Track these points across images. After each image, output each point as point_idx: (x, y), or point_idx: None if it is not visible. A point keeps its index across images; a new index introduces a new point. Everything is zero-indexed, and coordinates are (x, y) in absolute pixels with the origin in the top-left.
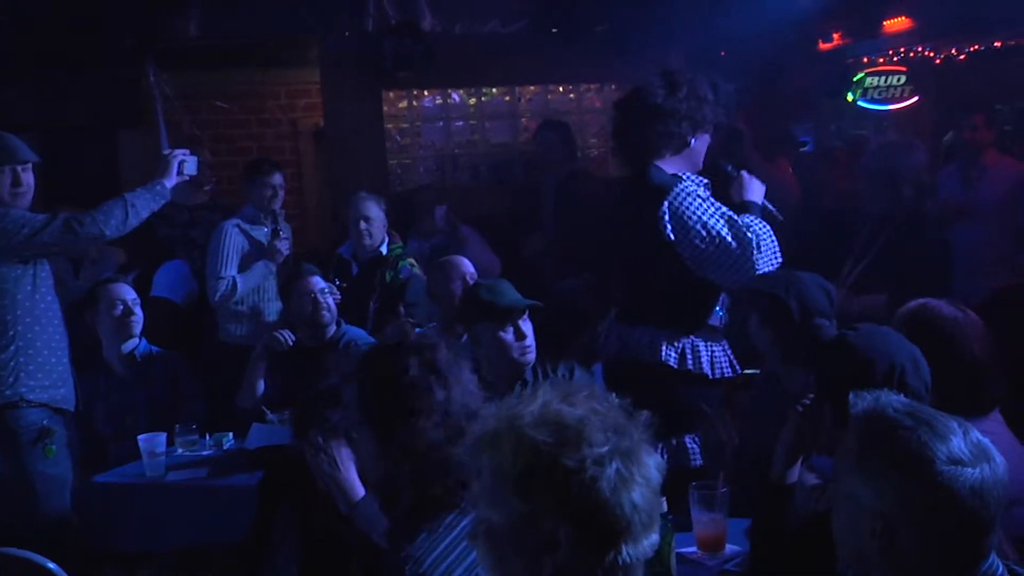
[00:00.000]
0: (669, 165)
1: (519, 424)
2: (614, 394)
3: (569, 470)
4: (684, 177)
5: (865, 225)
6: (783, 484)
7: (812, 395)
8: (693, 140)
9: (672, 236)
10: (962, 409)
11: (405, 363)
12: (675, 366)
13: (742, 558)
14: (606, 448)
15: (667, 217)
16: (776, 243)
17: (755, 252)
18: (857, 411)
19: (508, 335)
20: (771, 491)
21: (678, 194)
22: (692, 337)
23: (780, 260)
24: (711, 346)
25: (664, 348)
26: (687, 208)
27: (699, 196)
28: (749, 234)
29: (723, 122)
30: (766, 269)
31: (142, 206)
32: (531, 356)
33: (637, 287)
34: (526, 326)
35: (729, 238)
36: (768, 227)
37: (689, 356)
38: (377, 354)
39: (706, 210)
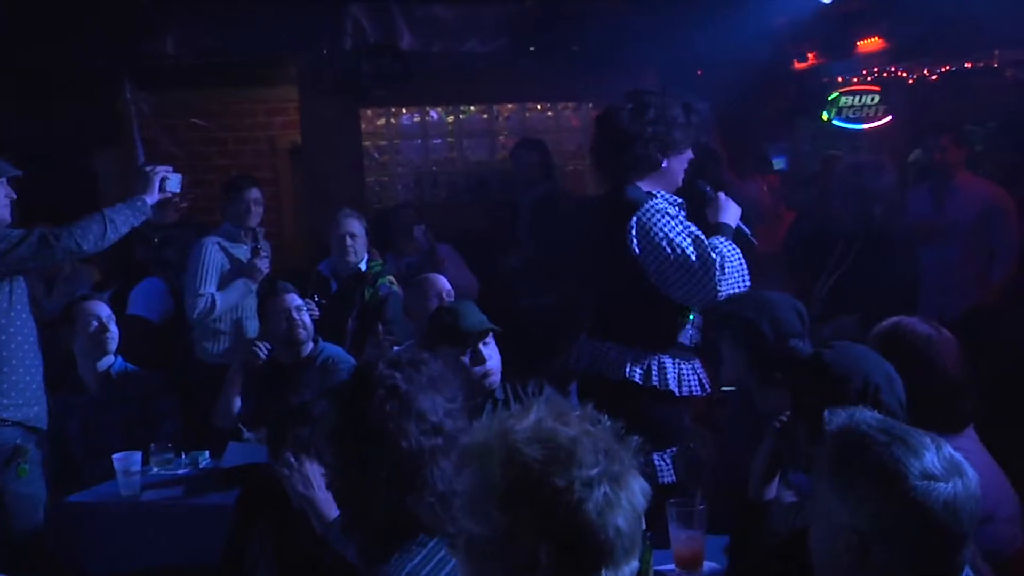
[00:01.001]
0: (645, 184)
1: (511, 439)
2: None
3: (557, 490)
4: (657, 195)
5: (836, 243)
6: (760, 501)
7: (788, 412)
8: (665, 162)
9: (638, 250)
10: (936, 426)
11: (368, 403)
12: (640, 382)
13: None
14: (596, 471)
15: (634, 231)
16: (744, 267)
17: (717, 272)
18: (832, 428)
19: (467, 359)
20: (748, 508)
21: (647, 210)
22: (659, 354)
23: (748, 283)
24: (679, 364)
25: (629, 364)
26: (654, 224)
27: (668, 213)
28: (714, 255)
29: (700, 143)
30: (731, 291)
31: (121, 222)
32: (493, 379)
33: (607, 303)
34: (488, 350)
35: (692, 256)
36: (737, 250)
37: (655, 373)
38: (346, 385)
39: (673, 227)
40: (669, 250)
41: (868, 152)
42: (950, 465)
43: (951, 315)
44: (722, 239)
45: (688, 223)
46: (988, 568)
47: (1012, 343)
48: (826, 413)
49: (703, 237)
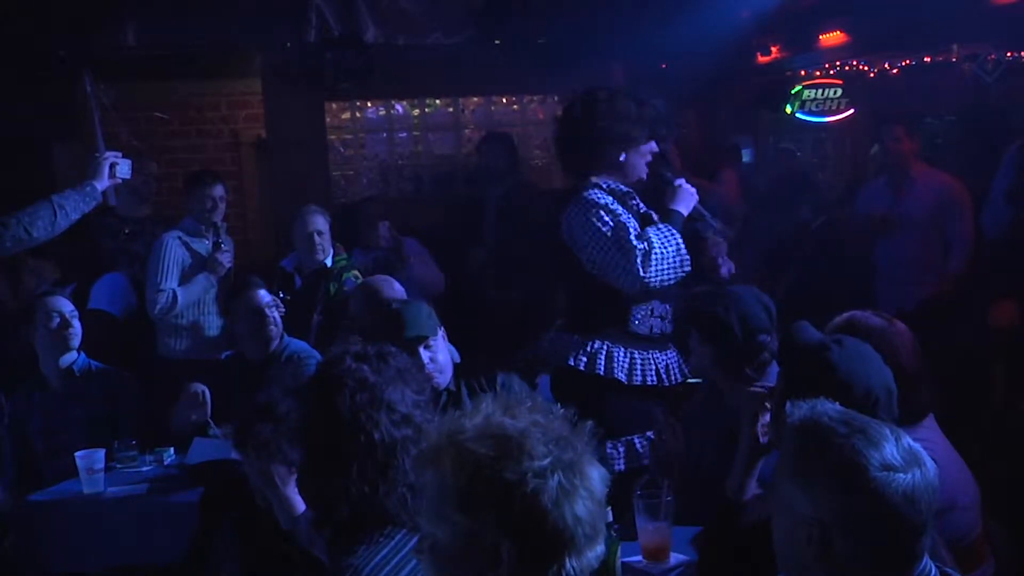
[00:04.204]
0: (604, 178)
1: (460, 438)
2: (558, 405)
3: (510, 483)
4: (602, 186)
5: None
6: (740, 500)
7: (773, 388)
8: (623, 156)
9: (567, 239)
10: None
11: (338, 395)
12: (583, 369)
13: (686, 567)
14: (547, 461)
15: (565, 223)
16: (681, 255)
17: (638, 260)
18: (793, 420)
19: None
20: (727, 507)
21: (580, 200)
22: (608, 342)
23: (687, 270)
24: (632, 352)
25: (574, 353)
26: (584, 213)
27: (597, 203)
28: (638, 242)
29: (660, 135)
30: (661, 278)
31: (71, 207)
32: (436, 380)
33: (563, 294)
34: (430, 353)
35: (612, 245)
36: (675, 238)
37: (601, 361)
38: (314, 380)
39: (601, 216)
40: (593, 238)
41: (831, 145)
42: (909, 456)
43: (908, 306)
44: (662, 227)
45: (621, 211)
46: (950, 555)
47: (968, 334)
48: (788, 405)
49: (628, 226)
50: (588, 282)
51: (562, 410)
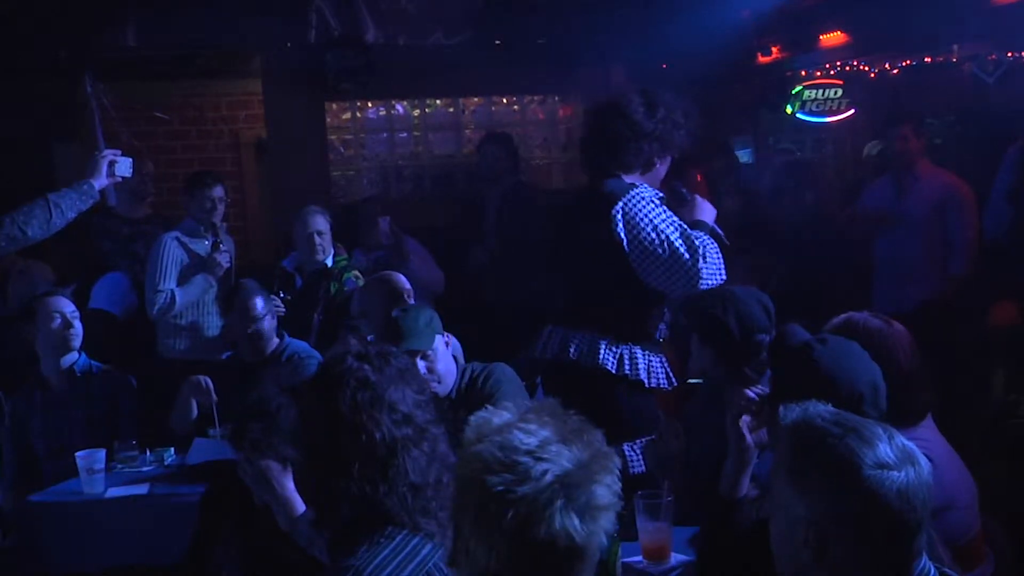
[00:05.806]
0: (629, 179)
1: (469, 454)
2: (573, 413)
3: (512, 500)
4: (639, 185)
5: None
6: (734, 498)
7: (764, 391)
8: (658, 162)
9: (623, 236)
10: (893, 419)
11: (340, 394)
12: (612, 371)
13: (686, 567)
14: (554, 480)
15: (619, 217)
16: (722, 261)
17: (701, 261)
18: (787, 422)
19: None
20: (722, 504)
21: (632, 197)
22: (631, 344)
23: (724, 277)
24: (648, 355)
25: (603, 351)
26: (640, 211)
27: (652, 201)
28: (697, 242)
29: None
30: (711, 281)
31: (68, 206)
32: (435, 388)
33: (581, 292)
34: (423, 364)
35: (678, 243)
36: (715, 245)
37: (627, 362)
38: (315, 379)
39: (658, 215)
40: (655, 236)
41: (831, 145)
42: (903, 454)
43: (908, 307)
44: (700, 233)
45: (672, 213)
46: (948, 554)
47: (968, 334)
48: (780, 408)
49: (687, 227)
50: (626, 283)
51: (578, 421)
